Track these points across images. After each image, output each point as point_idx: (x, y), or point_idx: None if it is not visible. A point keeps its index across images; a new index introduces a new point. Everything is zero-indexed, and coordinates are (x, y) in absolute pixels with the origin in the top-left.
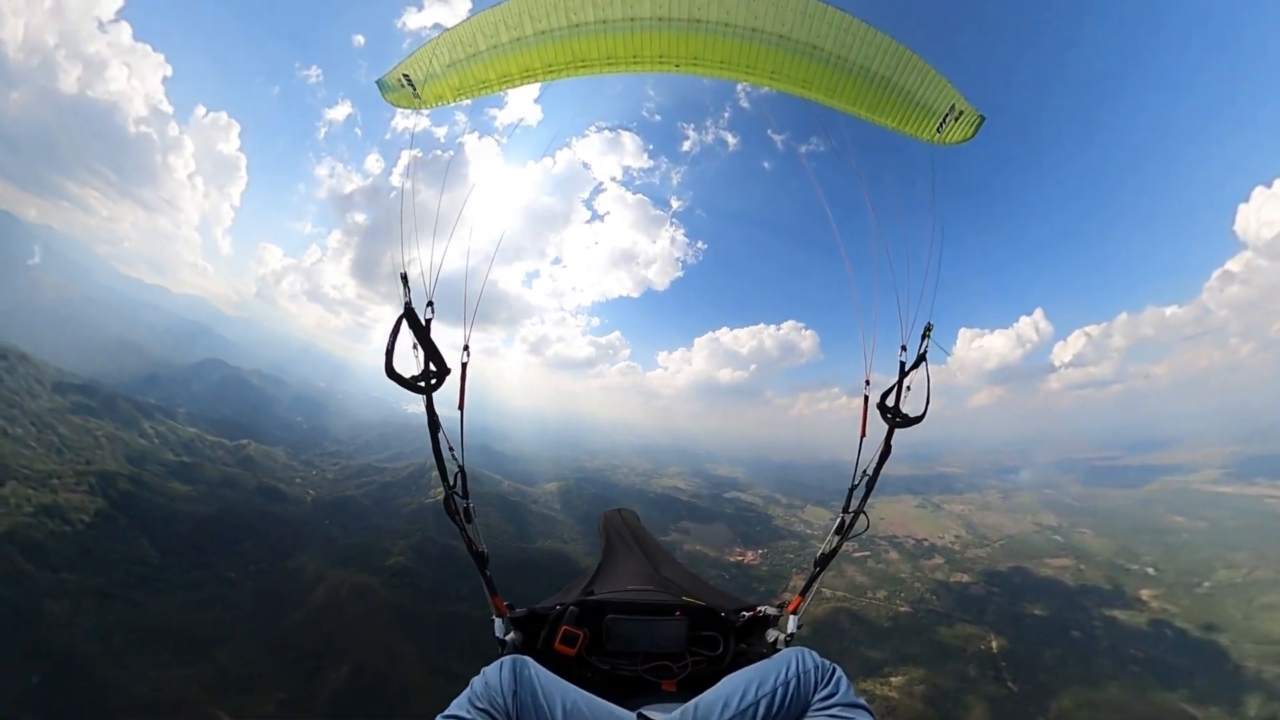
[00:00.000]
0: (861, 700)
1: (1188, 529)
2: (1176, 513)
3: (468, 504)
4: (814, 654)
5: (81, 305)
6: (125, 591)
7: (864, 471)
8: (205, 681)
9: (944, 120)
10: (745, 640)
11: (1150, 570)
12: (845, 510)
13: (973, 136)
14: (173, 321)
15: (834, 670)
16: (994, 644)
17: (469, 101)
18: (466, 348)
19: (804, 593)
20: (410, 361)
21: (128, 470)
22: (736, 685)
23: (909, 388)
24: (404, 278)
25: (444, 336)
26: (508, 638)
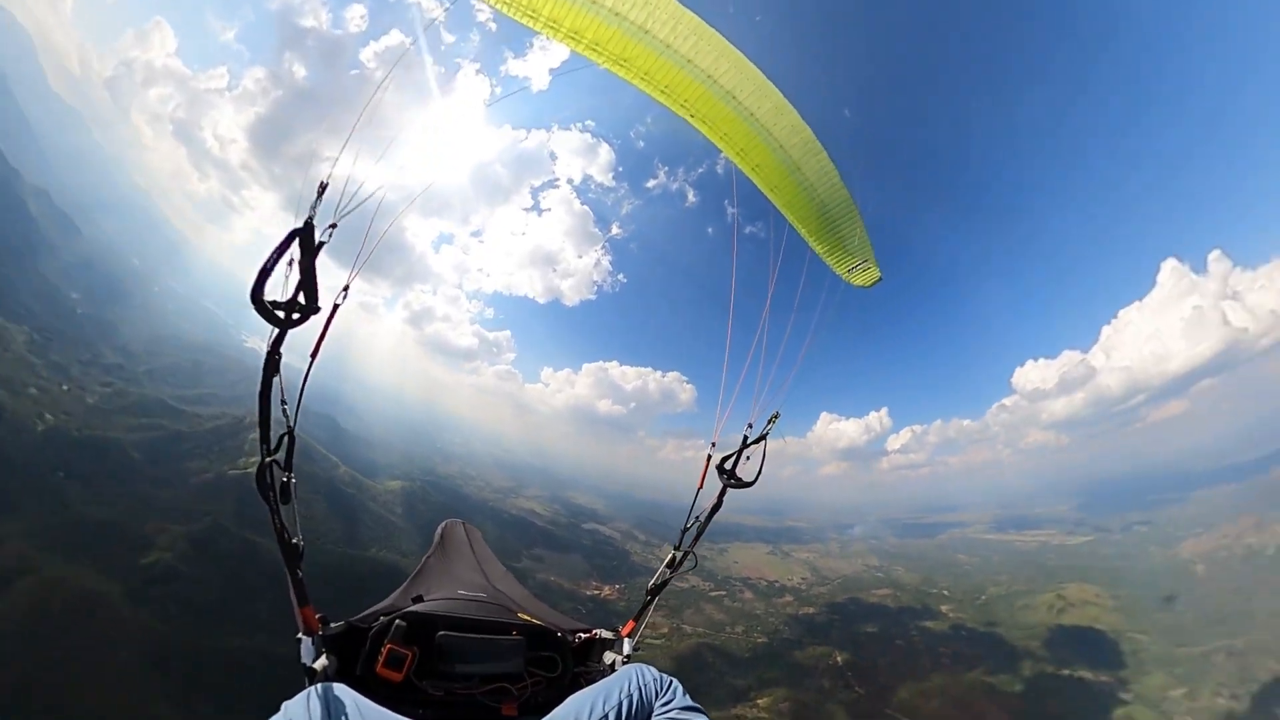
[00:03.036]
0: (697, 705)
1: (968, 563)
2: (961, 552)
3: (288, 479)
4: (652, 669)
5: None
6: None
7: (696, 517)
8: None
9: (854, 268)
10: (583, 662)
11: (945, 592)
12: (677, 548)
13: (869, 286)
14: None
15: (671, 681)
16: (839, 658)
17: (505, 15)
18: (346, 288)
19: (637, 618)
20: (279, 287)
21: None
22: (583, 703)
23: (748, 458)
24: (322, 188)
25: (322, 273)
26: (317, 664)
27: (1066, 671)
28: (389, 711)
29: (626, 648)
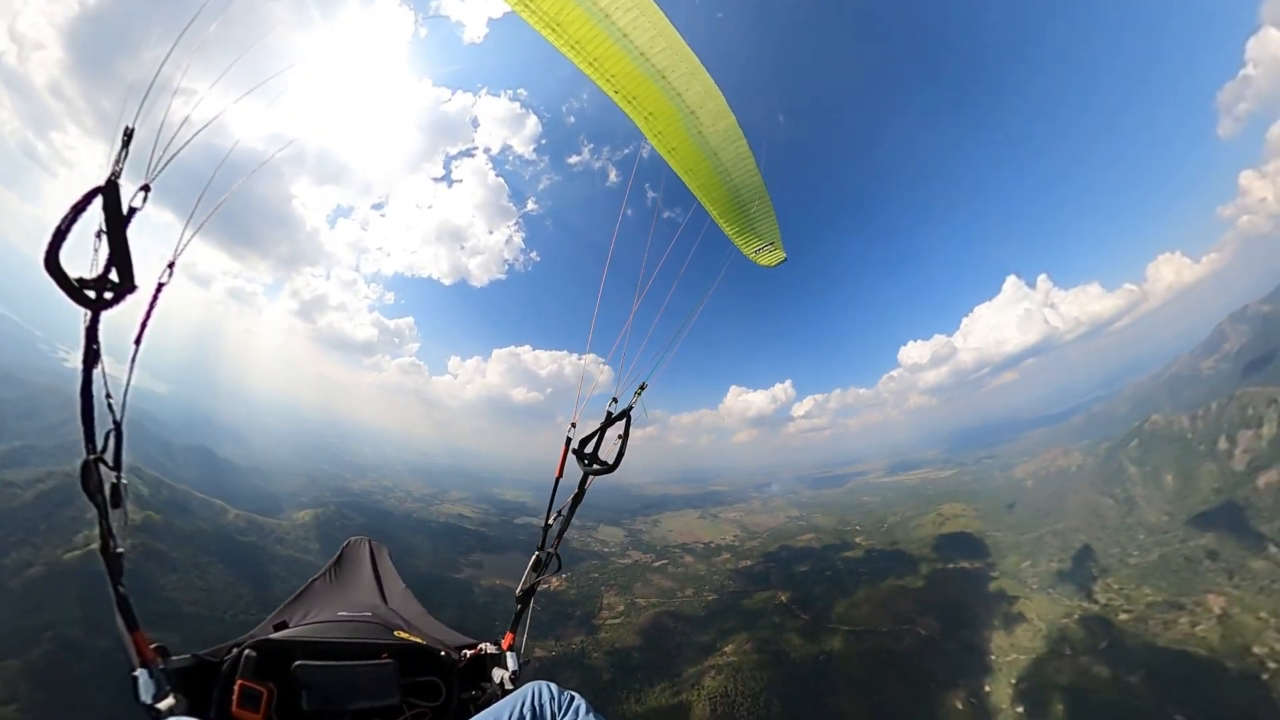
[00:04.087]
0: (602, 717)
1: (871, 502)
2: (865, 495)
3: (119, 479)
4: (552, 685)
5: None
6: None
7: (559, 512)
8: None
9: (760, 249)
10: (474, 684)
11: (857, 527)
12: (540, 549)
13: (774, 266)
14: None
15: (572, 697)
16: (783, 597)
17: None
18: (172, 265)
19: (514, 629)
20: (83, 260)
21: None
22: None
23: (620, 436)
24: (128, 135)
25: (152, 236)
26: (162, 704)
27: (951, 565)
28: None
29: (511, 663)
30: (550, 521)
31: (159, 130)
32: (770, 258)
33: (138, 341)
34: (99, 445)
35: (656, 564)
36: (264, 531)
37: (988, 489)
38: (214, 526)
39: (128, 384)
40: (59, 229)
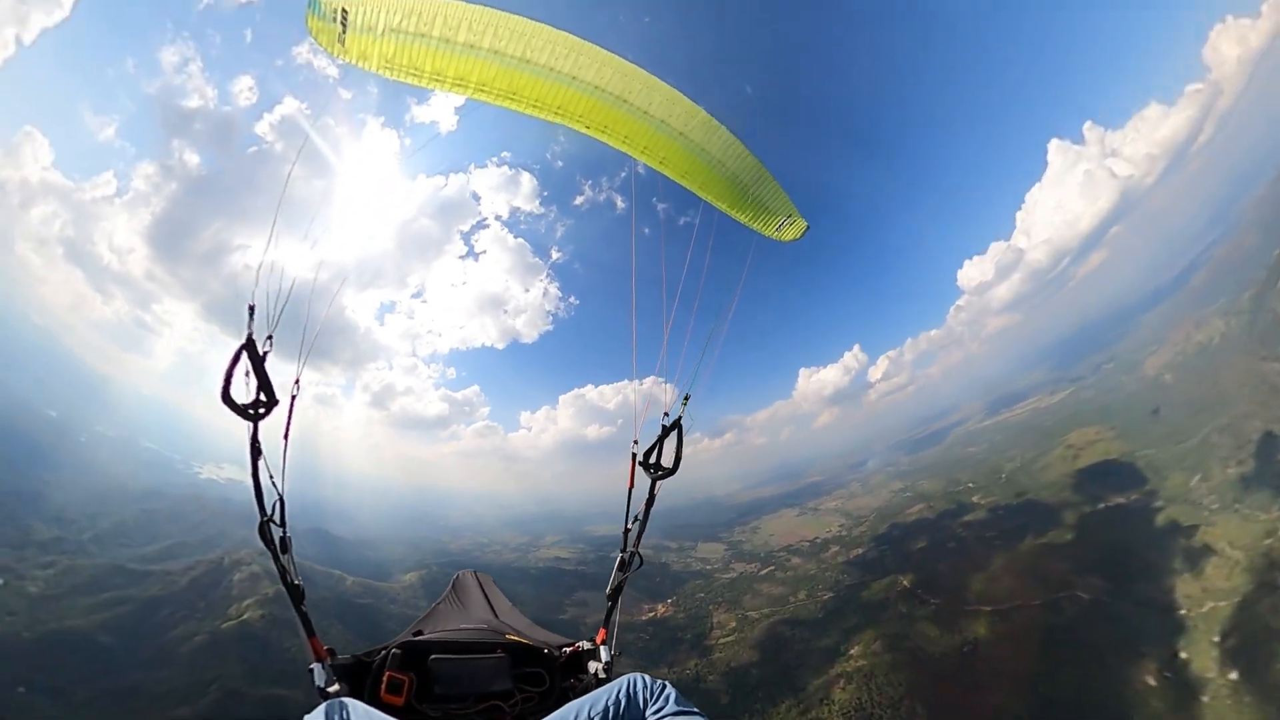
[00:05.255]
0: (691, 706)
1: (979, 452)
2: (969, 445)
3: (284, 533)
4: (645, 676)
5: None
6: None
7: (635, 516)
8: None
9: (781, 225)
10: (573, 676)
11: (970, 485)
12: (623, 550)
13: (799, 238)
14: None
15: (664, 686)
16: (905, 582)
17: (389, 79)
18: (298, 381)
19: (606, 624)
20: (239, 391)
21: None
22: (568, 712)
23: (678, 445)
24: (251, 310)
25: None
26: (331, 688)
27: (1102, 505)
28: None
29: (604, 655)
30: (629, 526)
31: (251, 293)
32: (793, 231)
33: (286, 436)
34: (267, 511)
35: (763, 572)
36: (378, 594)
37: (1118, 400)
38: (334, 594)
39: (284, 465)
40: (226, 374)
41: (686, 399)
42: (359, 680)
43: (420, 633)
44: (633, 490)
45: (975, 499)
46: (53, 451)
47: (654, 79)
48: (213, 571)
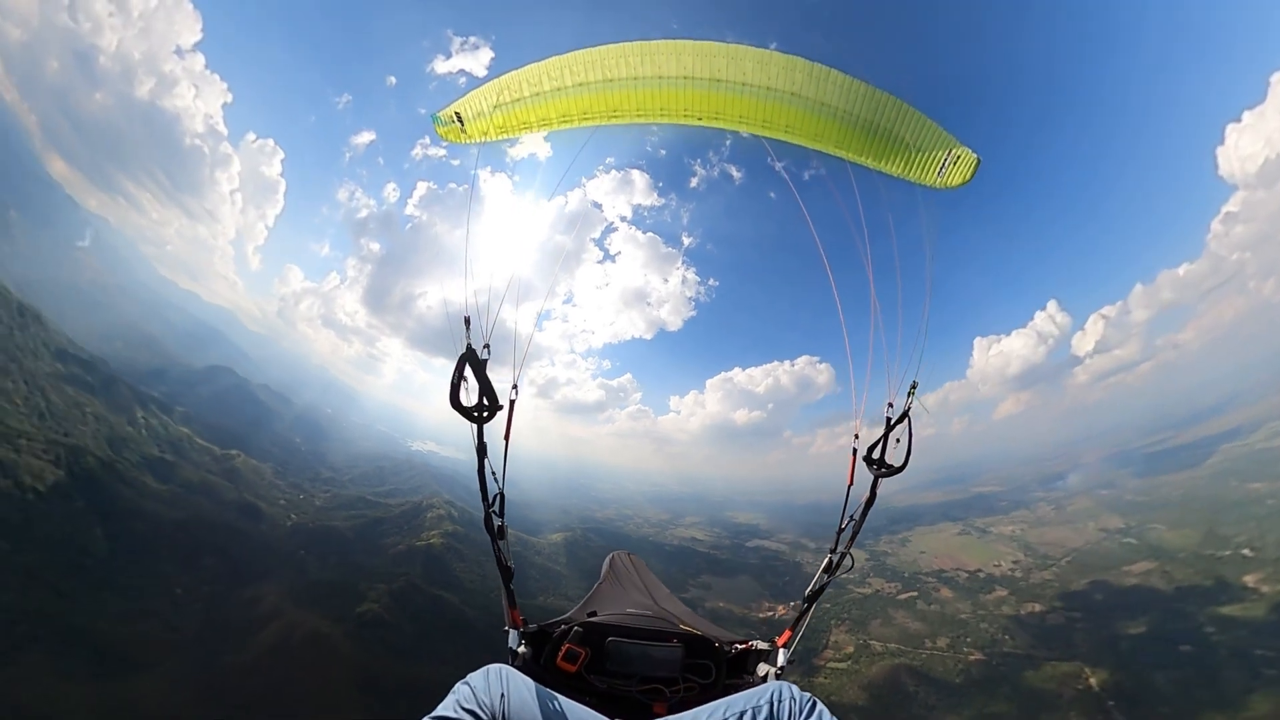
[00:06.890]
0: None
1: (1270, 494)
2: (1252, 479)
3: (502, 522)
4: (794, 687)
5: (114, 293)
6: (56, 577)
7: (850, 516)
8: (108, 708)
9: (943, 166)
10: (738, 673)
11: (1246, 552)
12: (833, 550)
13: (971, 178)
14: (195, 325)
15: (814, 703)
16: (1093, 680)
17: (511, 139)
18: (515, 386)
19: (794, 627)
20: (465, 396)
21: (104, 453)
22: (706, 708)
23: (898, 440)
24: (467, 321)
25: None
26: (520, 649)
27: None
28: (551, 691)
29: (781, 659)
30: (843, 525)
31: (467, 315)
32: (960, 171)
33: (506, 437)
34: (490, 503)
35: (902, 596)
36: (528, 545)
37: None
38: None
39: (504, 465)
40: (453, 382)
41: (914, 387)
42: (540, 646)
43: (594, 613)
44: (851, 487)
45: (1248, 579)
46: (330, 432)
47: (736, 47)
48: (414, 509)
